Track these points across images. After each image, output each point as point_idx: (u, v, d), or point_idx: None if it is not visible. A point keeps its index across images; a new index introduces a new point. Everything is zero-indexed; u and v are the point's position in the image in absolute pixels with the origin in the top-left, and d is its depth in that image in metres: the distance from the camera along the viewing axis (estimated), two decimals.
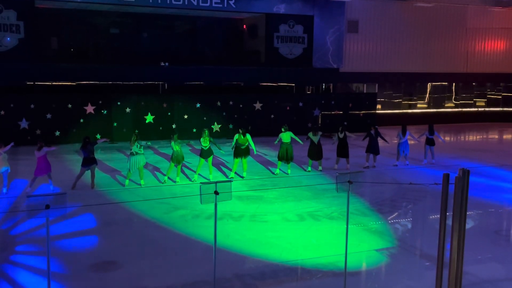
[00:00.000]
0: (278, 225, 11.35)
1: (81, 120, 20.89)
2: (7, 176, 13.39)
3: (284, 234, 10.75)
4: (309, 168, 16.44)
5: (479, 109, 31.57)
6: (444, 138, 23.11)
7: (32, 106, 20.37)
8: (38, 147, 13.41)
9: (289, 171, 16.01)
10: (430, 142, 17.75)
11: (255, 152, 15.55)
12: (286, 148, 15.65)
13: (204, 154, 14.69)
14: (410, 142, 18.13)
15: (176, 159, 14.37)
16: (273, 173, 16.06)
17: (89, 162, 13.72)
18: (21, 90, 21.88)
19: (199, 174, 15.15)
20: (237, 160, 15.18)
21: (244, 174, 15.42)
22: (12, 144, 13.81)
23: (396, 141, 17.92)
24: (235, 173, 15.47)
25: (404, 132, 17.10)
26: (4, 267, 8.98)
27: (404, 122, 19.12)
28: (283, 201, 13.15)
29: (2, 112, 20.01)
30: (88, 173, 13.94)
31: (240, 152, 15.08)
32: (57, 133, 20.57)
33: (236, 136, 15.13)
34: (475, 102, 31.48)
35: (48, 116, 20.51)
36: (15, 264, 9.20)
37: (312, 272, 8.95)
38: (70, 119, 20.73)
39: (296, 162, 16.83)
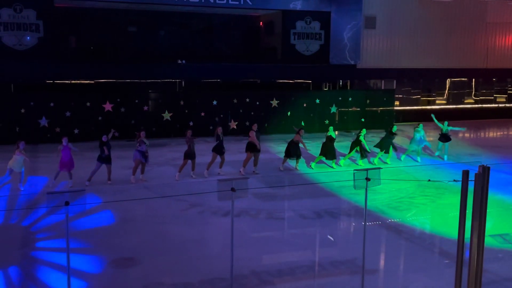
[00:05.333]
0: (295, 222, 11.33)
1: (100, 118, 21.09)
2: (23, 174, 13.57)
3: (301, 231, 10.73)
4: (328, 163, 16.43)
5: (500, 105, 31.08)
6: (464, 134, 22.80)
7: (51, 104, 20.62)
8: (62, 142, 13.75)
9: (313, 166, 16.08)
10: (444, 138, 17.71)
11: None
12: (295, 148, 15.77)
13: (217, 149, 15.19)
14: (429, 139, 17.94)
15: (189, 156, 14.70)
16: (296, 169, 16.06)
17: (104, 159, 14.07)
18: (40, 88, 22.17)
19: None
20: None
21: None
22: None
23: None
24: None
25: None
26: (25, 263, 9.12)
27: (422, 118, 18.89)
28: (300, 198, 13.12)
29: (23, 110, 20.29)
30: (105, 169, 14.19)
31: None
32: (76, 131, 20.80)
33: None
34: (495, 98, 30.99)
35: (68, 114, 20.73)
36: (36, 260, 9.34)
37: (329, 269, 8.92)
38: (89, 117, 20.95)
39: (311, 160, 16.76)
